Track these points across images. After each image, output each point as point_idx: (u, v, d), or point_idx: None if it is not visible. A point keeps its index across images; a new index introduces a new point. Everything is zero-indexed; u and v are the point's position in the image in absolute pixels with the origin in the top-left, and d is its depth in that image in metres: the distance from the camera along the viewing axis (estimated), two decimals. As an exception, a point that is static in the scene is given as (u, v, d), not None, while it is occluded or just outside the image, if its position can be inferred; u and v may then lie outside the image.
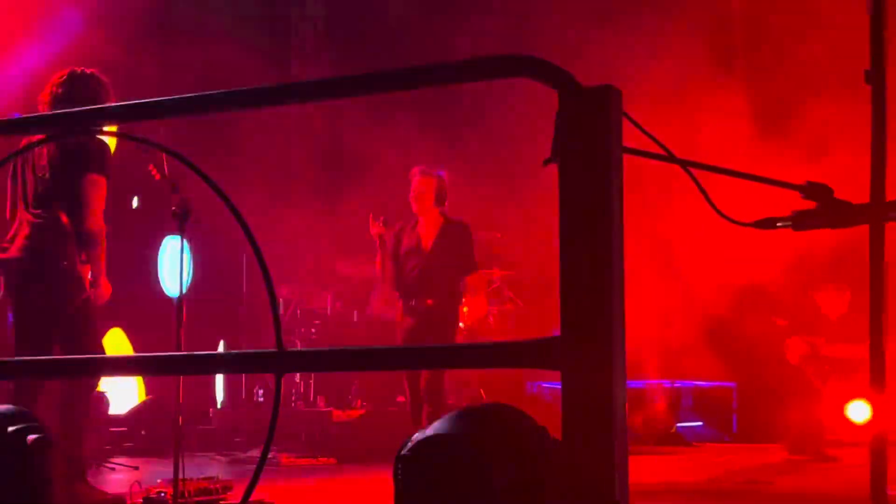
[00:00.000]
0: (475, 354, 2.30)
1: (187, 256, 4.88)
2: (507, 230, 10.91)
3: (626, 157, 2.27)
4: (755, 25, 10.74)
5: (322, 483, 7.56)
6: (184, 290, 4.72)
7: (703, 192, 2.27)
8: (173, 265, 4.72)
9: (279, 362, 2.21)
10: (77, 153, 5.29)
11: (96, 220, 5.28)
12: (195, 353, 2.08)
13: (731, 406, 12.09)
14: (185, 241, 4.76)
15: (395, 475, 2.38)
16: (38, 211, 5.33)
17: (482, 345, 2.13)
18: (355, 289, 11.06)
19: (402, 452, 2.37)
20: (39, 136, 4.87)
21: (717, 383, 12.13)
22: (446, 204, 7.79)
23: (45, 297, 5.26)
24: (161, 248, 5.59)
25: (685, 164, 2.21)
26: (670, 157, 2.22)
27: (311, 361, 2.71)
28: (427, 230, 7.73)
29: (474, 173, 8.61)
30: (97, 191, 5.28)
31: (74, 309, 5.27)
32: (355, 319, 10.88)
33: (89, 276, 5.41)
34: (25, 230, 5.33)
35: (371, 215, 7.92)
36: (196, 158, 2.42)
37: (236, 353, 2.21)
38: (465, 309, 10.41)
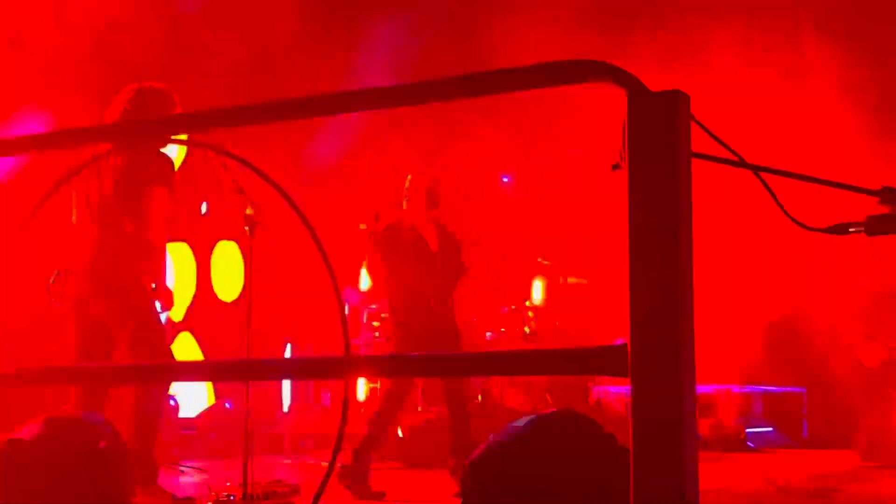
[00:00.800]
0: (543, 361, 2.29)
1: (249, 261, 4.92)
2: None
3: (695, 163, 2.25)
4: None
5: (388, 487, 7.58)
6: (249, 295, 4.76)
7: (773, 197, 2.24)
8: (236, 270, 4.77)
9: (346, 368, 2.22)
10: (142, 167, 5.38)
11: (159, 231, 5.36)
12: (263, 359, 2.09)
13: (801, 411, 11.93)
14: (251, 245, 4.81)
15: (464, 481, 2.38)
16: (104, 223, 5.41)
17: (550, 352, 2.13)
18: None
19: (471, 459, 2.37)
20: (107, 147, 4.99)
21: (787, 388, 11.97)
22: (439, 207, 7.69)
23: (111, 308, 5.35)
24: (222, 251, 5.67)
25: (756, 169, 2.18)
26: (740, 162, 2.19)
27: (377, 368, 2.72)
28: (427, 232, 7.62)
29: (542, 178, 8.58)
30: (160, 203, 5.36)
31: (142, 318, 5.35)
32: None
33: (153, 286, 5.50)
34: (91, 242, 5.42)
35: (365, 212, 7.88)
36: (267, 163, 2.45)
37: (304, 359, 2.23)
38: (530, 313, 10.40)
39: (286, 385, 11.16)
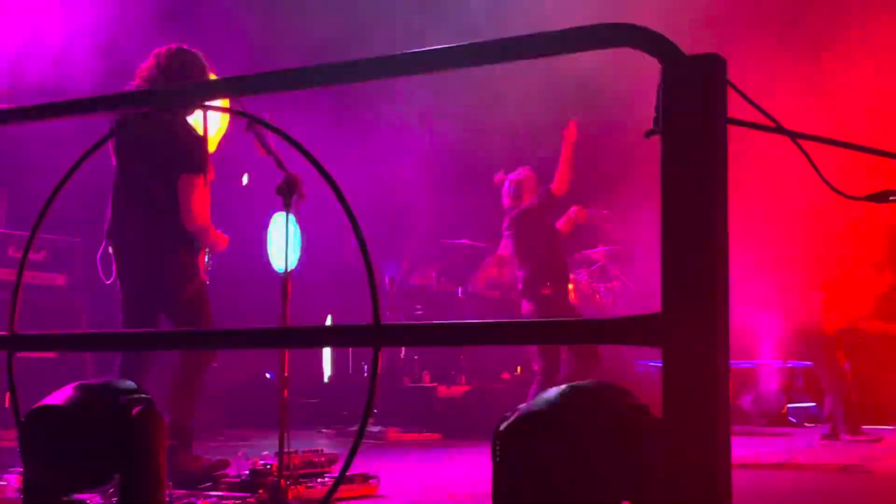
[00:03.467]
0: (576, 330, 2.27)
1: (295, 232, 4.92)
2: (614, 206, 10.79)
3: (734, 129, 2.20)
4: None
5: (426, 457, 7.61)
6: (291, 266, 4.76)
7: (813, 165, 2.19)
8: (280, 241, 4.75)
9: (375, 336, 2.20)
10: (170, 152, 5.31)
11: (196, 219, 5.30)
12: (293, 326, 2.08)
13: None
14: (291, 217, 4.80)
15: (494, 450, 2.37)
16: (141, 204, 5.36)
17: (582, 321, 2.10)
18: (460, 265, 11.09)
19: (500, 428, 2.35)
20: (137, 113, 4.95)
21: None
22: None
23: (154, 288, 5.36)
24: (270, 224, 5.67)
25: (794, 136, 2.14)
26: (778, 129, 2.15)
27: (407, 335, 2.71)
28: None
29: (579, 148, 8.51)
30: (193, 190, 5.27)
31: (187, 296, 5.35)
32: (460, 296, 10.90)
33: (205, 263, 5.52)
34: (132, 221, 5.36)
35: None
36: (308, 134, 2.42)
37: (333, 327, 2.22)
38: (570, 286, 10.35)
39: (326, 355, 11.22)
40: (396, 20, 11.15)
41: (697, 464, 1.99)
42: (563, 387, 2.32)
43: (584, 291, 10.40)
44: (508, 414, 2.38)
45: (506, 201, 8.39)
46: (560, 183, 8.05)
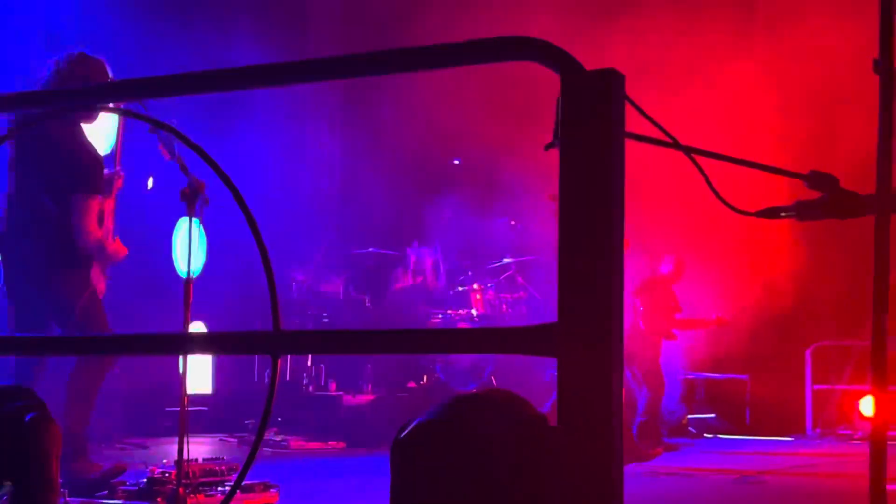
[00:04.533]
0: (471, 340, 2.28)
1: (200, 237, 4.86)
2: (521, 217, 10.89)
3: (636, 145, 2.24)
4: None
5: (329, 467, 7.58)
6: (196, 271, 4.70)
7: (706, 179, 2.24)
8: (185, 246, 4.69)
9: (274, 343, 2.19)
10: (65, 171, 5.26)
11: (89, 238, 5.29)
12: (190, 333, 2.06)
13: (744, 398, 12.06)
14: (196, 221, 4.74)
15: (392, 460, 2.37)
16: (36, 219, 5.30)
17: (478, 330, 2.12)
18: (369, 274, 11.07)
19: (399, 437, 2.36)
20: (33, 130, 4.88)
21: (730, 376, 12.10)
22: None
23: (48, 300, 5.30)
24: (175, 229, 5.58)
25: (688, 151, 2.18)
26: (674, 144, 2.19)
27: (307, 343, 2.70)
28: None
29: (486, 158, 8.59)
30: (87, 210, 5.25)
31: (79, 310, 5.28)
32: (368, 304, 10.88)
33: (102, 275, 5.45)
34: (26, 233, 5.31)
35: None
36: (210, 138, 2.41)
37: (232, 333, 2.20)
38: (477, 296, 10.40)
39: (233, 363, 11.05)
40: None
41: (592, 472, 2.01)
42: (459, 395, 2.33)
43: (490, 301, 10.45)
44: (407, 423, 2.39)
45: None
46: None
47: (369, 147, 11.98)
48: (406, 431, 2.34)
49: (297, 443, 8.73)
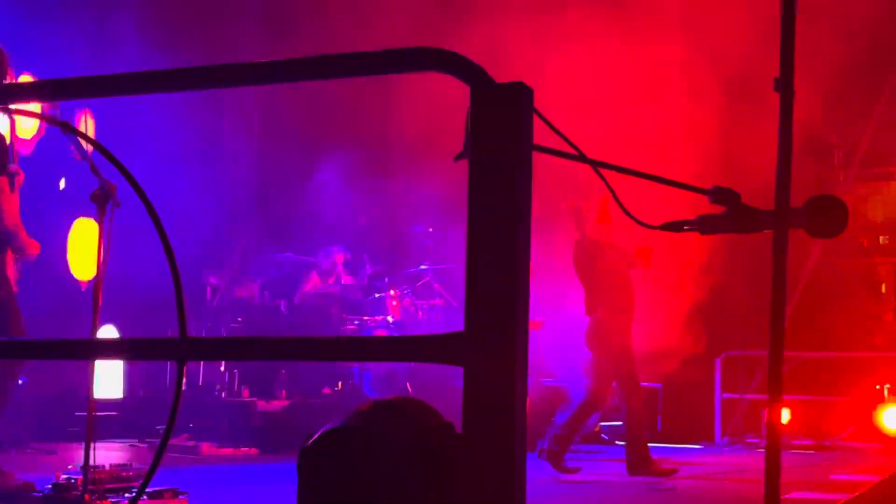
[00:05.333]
0: (379, 348, 2.29)
1: (106, 240, 4.78)
2: (438, 223, 10.92)
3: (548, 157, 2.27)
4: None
5: (241, 473, 7.51)
6: (101, 274, 4.62)
7: (612, 192, 2.28)
8: (85, 248, 4.62)
9: (181, 349, 2.18)
10: None
11: (5, 218, 5.17)
12: (96, 338, 2.04)
13: (656, 406, 12.24)
14: (104, 224, 4.66)
15: (299, 468, 2.37)
16: None
17: (385, 338, 2.12)
18: (285, 279, 10.99)
19: (305, 445, 2.36)
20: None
21: (643, 384, 12.24)
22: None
23: None
24: (71, 230, 5.47)
25: (595, 165, 2.22)
26: (580, 157, 2.23)
27: (214, 349, 2.68)
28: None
29: (397, 166, 8.60)
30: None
31: None
32: (283, 310, 10.80)
33: (15, 269, 5.33)
34: None
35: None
36: (121, 137, 2.38)
37: (139, 339, 2.18)
38: (394, 303, 10.40)
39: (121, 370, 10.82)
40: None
41: (495, 480, 2.03)
42: (366, 403, 2.34)
43: (407, 308, 10.46)
44: (314, 431, 2.39)
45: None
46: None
47: (288, 150, 11.91)
48: (312, 439, 2.34)
49: (209, 449, 8.64)
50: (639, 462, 7.60)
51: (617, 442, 11.04)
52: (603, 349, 7.90)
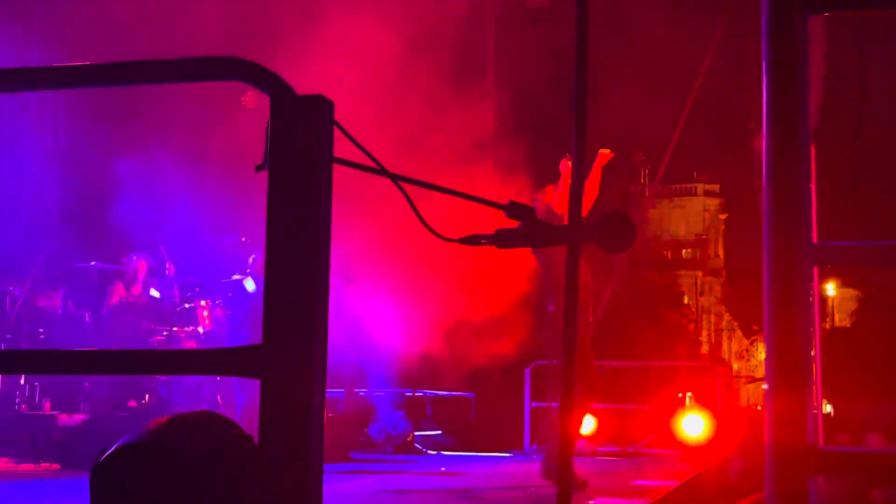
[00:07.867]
0: (176, 361, 2.25)
1: None
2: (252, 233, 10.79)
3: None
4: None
5: (40, 489, 7.23)
6: None
7: (412, 206, 2.31)
8: None
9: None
10: None
11: None
12: None
13: (468, 416, 12.44)
14: None
15: (91, 484, 2.30)
16: None
17: (183, 352, 2.08)
18: (90, 289, 10.64)
19: (98, 461, 2.30)
20: None
21: (456, 393, 12.44)
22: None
23: None
24: None
25: (395, 178, 2.25)
26: (381, 171, 2.25)
27: (12, 362, 2.58)
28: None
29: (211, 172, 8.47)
30: None
31: None
32: (88, 321, 10.44)
33: None
34: None
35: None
36: None
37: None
38: (205, 313, 10.21)
39: None
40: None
41: (291, 491, 2.03)
42: (163, 418, 2.29)
43: (218, 319, 10.28)
44: (108, 446, 2.33)
45: None
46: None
47: (94, 151, 11.54)
48: (105, 455, 2.28)
49: (6, 464, 8.29)
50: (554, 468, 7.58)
51: (430, 451, 11.15)
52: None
